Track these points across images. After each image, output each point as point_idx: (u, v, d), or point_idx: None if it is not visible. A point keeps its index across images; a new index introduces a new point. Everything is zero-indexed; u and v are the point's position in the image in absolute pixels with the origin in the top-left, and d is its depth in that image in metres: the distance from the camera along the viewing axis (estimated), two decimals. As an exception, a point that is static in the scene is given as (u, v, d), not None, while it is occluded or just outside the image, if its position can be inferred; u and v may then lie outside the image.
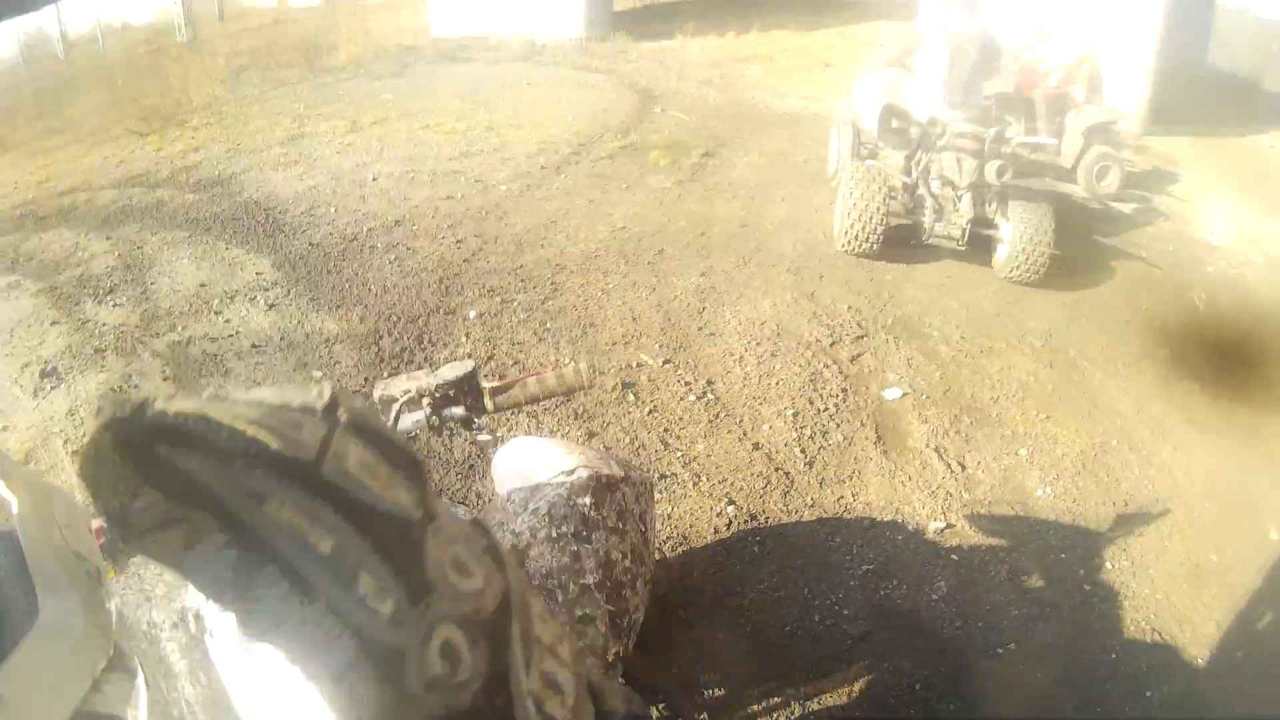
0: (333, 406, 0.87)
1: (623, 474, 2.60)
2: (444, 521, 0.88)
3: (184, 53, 17.87)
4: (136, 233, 8.46)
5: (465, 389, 2.11)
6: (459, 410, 2.09)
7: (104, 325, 6.65)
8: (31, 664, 0.96)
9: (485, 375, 2.15)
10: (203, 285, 7.08)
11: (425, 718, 0.82)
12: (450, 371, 2.11)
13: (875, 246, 7.41)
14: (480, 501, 4.51)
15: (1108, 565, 4.47)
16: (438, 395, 2.08)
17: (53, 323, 6.79)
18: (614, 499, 2.49)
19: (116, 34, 22.76)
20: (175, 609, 2.17)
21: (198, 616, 1.81)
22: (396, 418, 2.04)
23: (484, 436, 2.13)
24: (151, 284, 7.24)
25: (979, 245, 7.60)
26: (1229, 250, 9.25)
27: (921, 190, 7.71)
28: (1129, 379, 6.31)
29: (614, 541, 2.40)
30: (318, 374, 5.79)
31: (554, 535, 2.34)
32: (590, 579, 2.31)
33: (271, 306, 6.68)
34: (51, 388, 5.97)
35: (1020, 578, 4.31)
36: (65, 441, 5.40)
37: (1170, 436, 5.66)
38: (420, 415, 2.07)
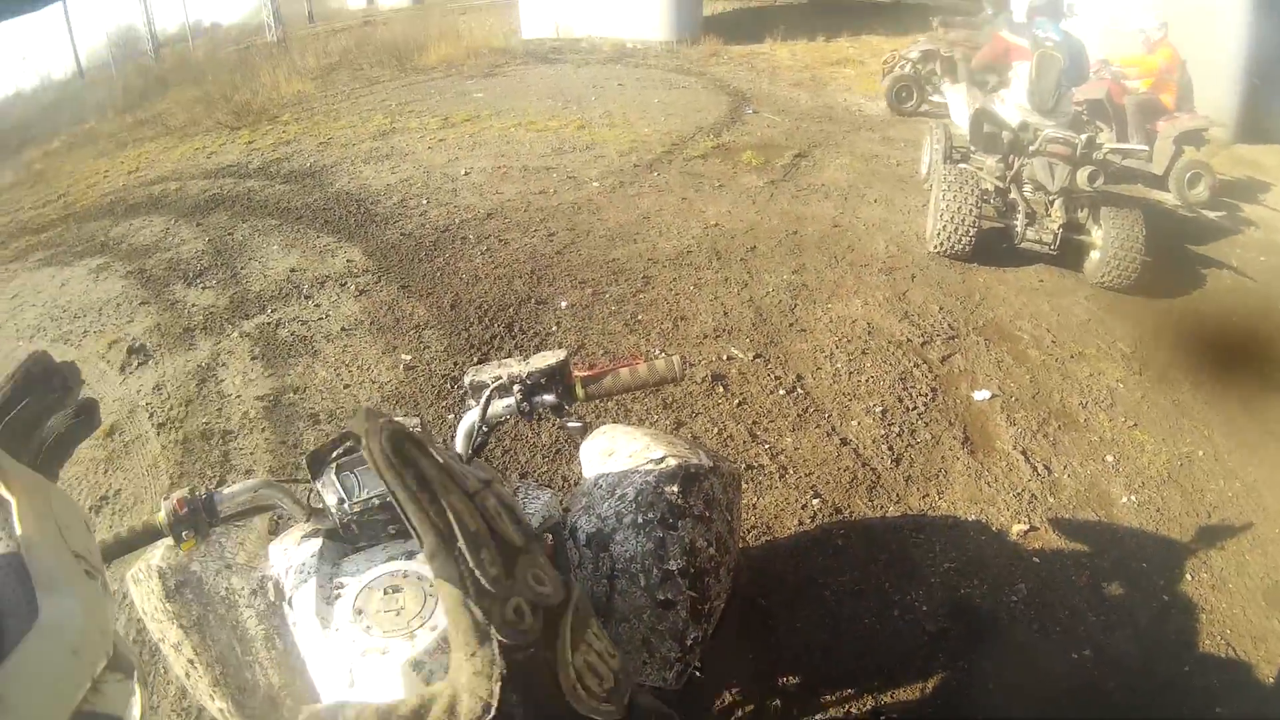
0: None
1: (711, 464, 2.57)
2: (537, 554, 1.40)
3: (274, 52, 18.13)
4: (227, 220, 8.62)
5: (556, 377, 2.07)
6: (550, 398, 2.05)
7: (193, 306, 6.76)
8: (31, 664, 0.93)
9: (576, 364, 2.12)
10: (293, 271, 7.17)
11: (500, 645, 1.31)
12: (542, 360, 2.08)
13: (967, 249, 7.31)
14: (567, 485, 4.50)
15: (1187, 577, 4.32)
16: (529, 382, 2.05)
17: (141, 303, 6.92)
18: (701, 488, 2.47)
19: (206, 34, 23.15)
20: (255, 577, 2.20)
21: (277, 585, 1.90)
22: (487, 403, 2.02)
23: (574, 424, 2.12)
24: (241, 269, 7.35)
25: (1070, 250, 7.45)
26: (1324, 263, 8.94)
27: (1014, 195, 7.62)
28: (1218, 391, 6.11)
29: (699, 529, 2.38)
30: (406, 357, 5.81)
31: (640, 521, 2.34)
32: (674, 565, 2.31)
33: (362, 292, 6.74)
34: (139, 364, 6.07)
35: (1100, 584, 4.18)
36: (150, 415, 5.48)
37: (1258, 450, 5.46)
38: (510, 401, 2.04)
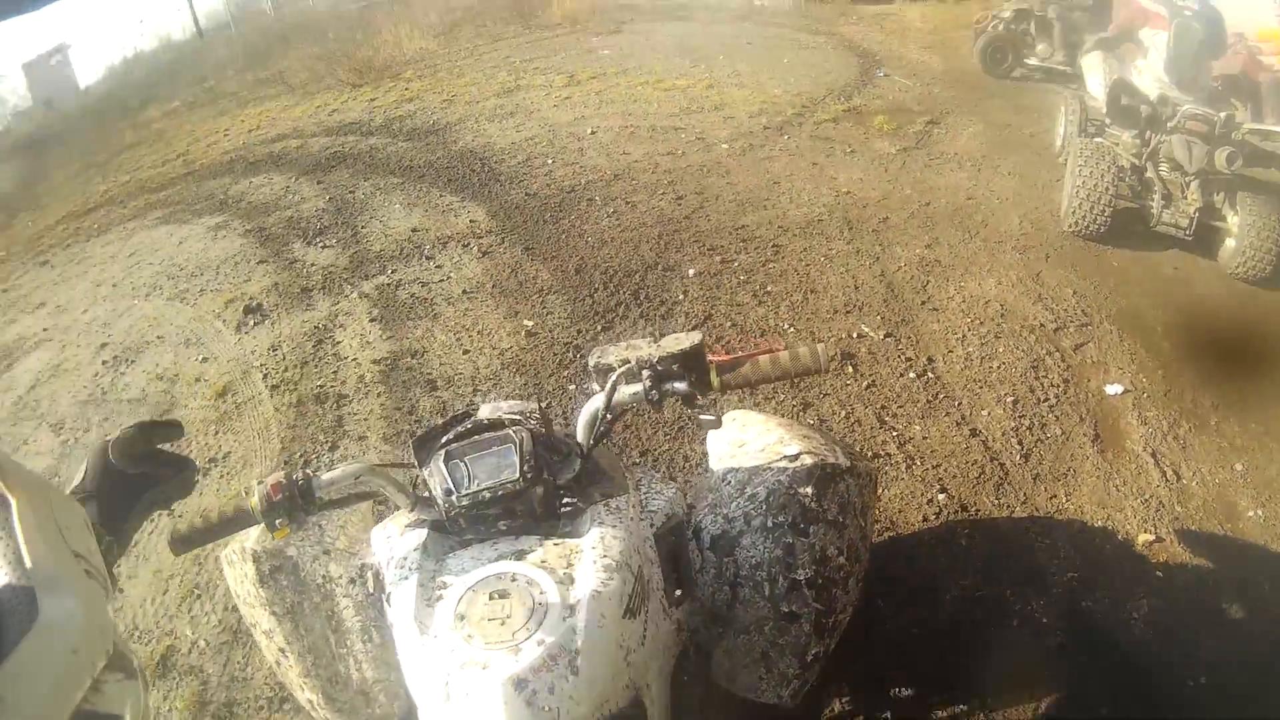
0: None
1: (848, 464, 2.48)
2: None
3: (396, 7, 18.14)
4: (348, 178, 8.72)
5: (690, 363, 1.94)
6: (681, 385, 1.92)
7: (312, 266, 6.86)
8: (31, 664, 0.95)
9: (711, 348, 2.04)
10: (415, 231, 7.23)
11: None
12: (674, 343, 1.95)
13: (1103, 229, 7.11)
14: (688, 465, 4.49)
15: (1314, 600, 4.21)
16: (659, 368, 1.93)
17: (260, 261, 7.03)
18: (837, 490, 2.38)
19: None
20: (355, 564, 2.17)
21: (377, 575, 1.80)
22: (613, 389, 1.90)
23: (707, 417, 2.00)
24: (362, 228, 7.43)
25: (1206, 236, 7.19)
26: None
27: (1150, 173, 7.35)
28: (1356, 401, 5.92)
29: (831, 536, 2.30)
30: (528, 323, 5.82)
31: (769, 525, 2.27)
32: (802, 574, 2.23)
33: (485, 254, 6.78)
34: (255, 324, 6.19)
35: (1221, 606, 4.09)
36: (264, 376, 5.58)
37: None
38: (639, 388, 1.91)
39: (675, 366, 1.93)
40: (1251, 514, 4.67)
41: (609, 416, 1.90)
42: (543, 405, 1.98)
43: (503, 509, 1.74)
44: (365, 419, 5.07)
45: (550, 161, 8.58)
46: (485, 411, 1.95)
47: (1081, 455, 4.87)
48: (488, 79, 11.74)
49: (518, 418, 1.87)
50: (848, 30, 14.90)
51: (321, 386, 5.43)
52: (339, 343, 5.88)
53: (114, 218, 9.59)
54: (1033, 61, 12.33)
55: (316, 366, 5.67)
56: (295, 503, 1.76)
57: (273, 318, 6.29)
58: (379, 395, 5.26)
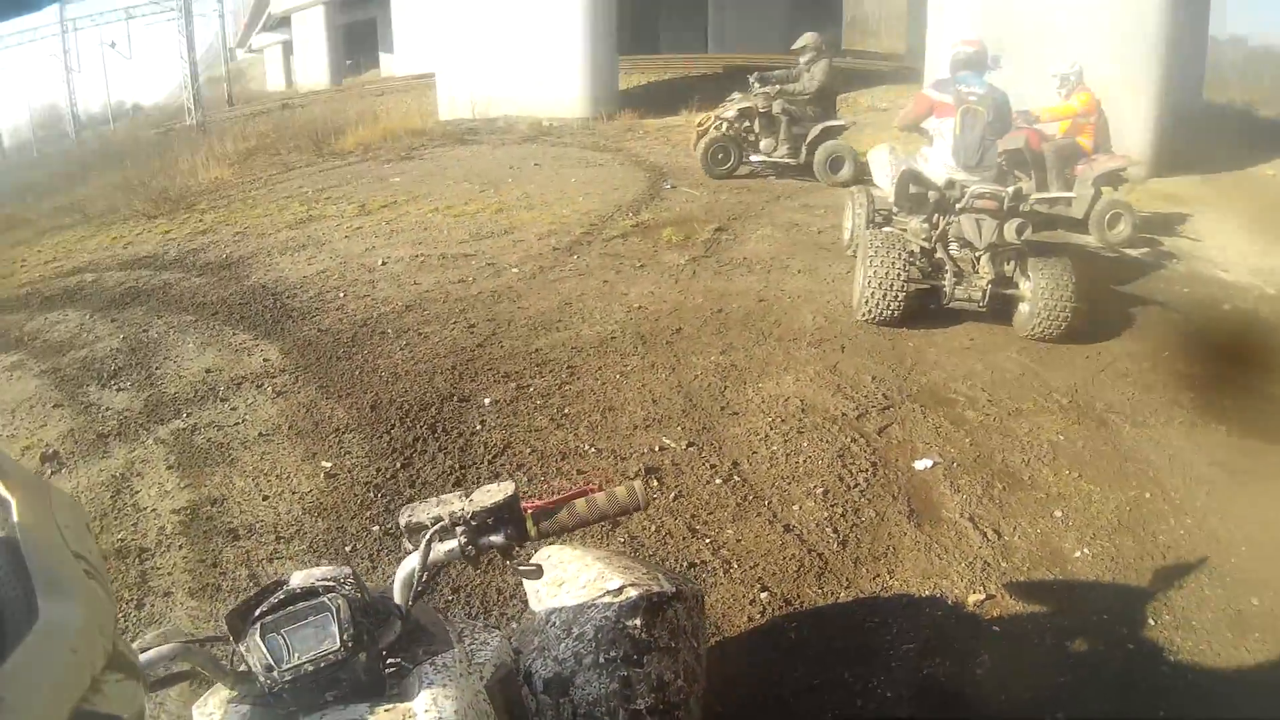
0: None
1: (674, 589, 2.49)
2: None
3: (193, 135, 18.22)
4: (143, 316, 8.57)
5: (504, 514, 1.89)
6: (498, 538, 1.87)
7: (108, 410, 6.65)
8: (31, 664, 0.92)
9: (525, 496, 1.99)
10: (209, 371, 7.09)
11: None
12: (487, 495, 1.90)
13: (896, 314, 7.38)
14: (501, 598, 4.37)
15: (1150, 621, 4.32)
16: (473, 522, 1.87)
17: (55, 405, 6.80)
18: (665, 618, 2.38)
19: (127, 115, 23.26)
20: None
21: None
22: (427, 548, 1.82)
23: (527, 569, 1.95)
24: (157, 368, 7.25)
25: (1000, 305, 7.56)
26: (1244, 285, 9.16)
27: (940, 254, 7.70)
28: (1158, 429, 6.22)
29: (667, 662, 2.29)
30: (327, 465, 5.68)
31: (602, 661, 2.24)
32: (642, 704, 2.20)
33: (279, 394, 6.65)
34: (52, 472, 5.91)
35: (1064, 643, 4.16)
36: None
37: (1203, 483, 5.56)
38: (454, 545, 1.86)
39: (490, 520, 1.88)
40: (1078, 554, 4.80)
41: (425, 576, 1.83)
42: (355, 570, 1.88)
43: (327, 680, 1.64)
44: (169, 573, 4.81)
45: (342, 295, 8.52)
46: (297, 580, 1.86)
47: (899, 532, 4.91)
48: (280, 210, 11.75)
49: (331, 584, 1.78)
50: (634, 145, 15.48)
51: (123, 540, 5.14)
52: (138, 492, 5.61)
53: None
54: (758, 158, 13.34)
55: (116, 518, 5.38)
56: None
57: (70, 466, 5.99)
58: (181, 548, 5.01)
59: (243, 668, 1.67)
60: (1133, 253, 10.22)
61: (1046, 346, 7.33)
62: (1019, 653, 4.09)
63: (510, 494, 1.89)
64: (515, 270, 9.03)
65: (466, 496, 1.92)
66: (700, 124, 13.73)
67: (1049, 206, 7.80)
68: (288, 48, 49.40)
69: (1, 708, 0.89)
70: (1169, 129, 14.22)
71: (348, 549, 4.83)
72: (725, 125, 13.32)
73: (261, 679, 1.62)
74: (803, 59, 13.58)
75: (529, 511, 1.95)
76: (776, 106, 13.16)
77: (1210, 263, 10.05)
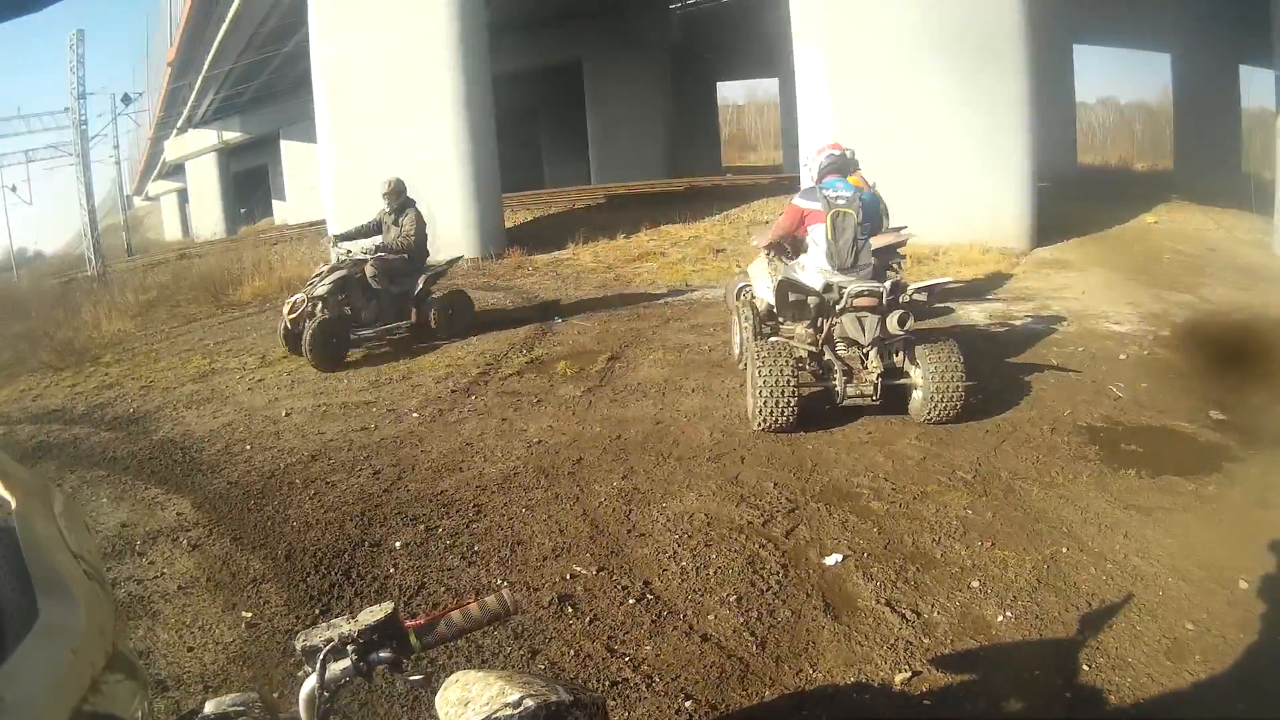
0: None
1: (571, 698, 2.53)
2: None
3: (94, 286, 18.16)
4: (55, 470, 8.48)
5: (388, 630, 2.01)
6: (385, 654, 1.99)
7: None
8: (31, 664, 0.97)
9: (409, 611, 2.10)
10: (124, 526, 7.02)
11: None
12: (369, 615, 2.01)
13: (791, 420, 7.58)
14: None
15: (1085, 667, 4.44)
16: (360, 640, 1.98)
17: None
18: None
19: (29, 263, 23.08)
20: None
21: None
22: (323, 669, 1.94)
23: (415, 677, 2.07)
24: None
25: (894, 396, 7.80)
26: (1138, 333, 9.54)
27: (828, 356, 7.94)
28: (1066, 486, 6.47)
29: None
30: (247, 615, 5.66)
31: None
32: None
33: (195, 546, 6.59)
34: None
35: (1000, 705, 4.26)
36: None
37: (1119, 527, 5.81)
38: (347, 663, 1.96)
39: (376, 637, 2.00)
40: (1001, 618, 4.94)
41: (325, 694, 1.95)
42: (263, 693, 2.00)
43: None
44: None
45: (249, 447, 8.51)
46: (210, 708, 1.98)
47: (817, 627, 4.98)
48: (184, 363, 11.70)
49: (242, 709, 1.93)
50: (525, 282, 15.76)
51: None
52: None
53: None
54: (368, 332, 11.91)
55: None
56: None
57: None
58: None
59: None
60: (1018, 323, 10.59)
61: (945, 428, 7.58)
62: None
63: (390, 612, 2.01)
64: (415, 415, 9.13)
65: (352, 618, 2.02)
66: (290, 310, 11.64)
67: (926, 295, 8.01)
68: (183, 195, 49.74)
69: (1, 707, 0.94)
70: (1046, 197, 14.83)
71: (276, 695, 4.81)
72: (321, 305, 11.39)
73: None
74: (387, 208, 12.31)
75: (411, 628, 2.07)
76: (370, 269, 11.72)
77: (1102, 318, 10.47)
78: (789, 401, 7.51)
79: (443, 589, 5.74)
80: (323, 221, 20.59)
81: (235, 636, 5.42)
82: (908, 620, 4.97)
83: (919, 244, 14.03)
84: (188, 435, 9.11)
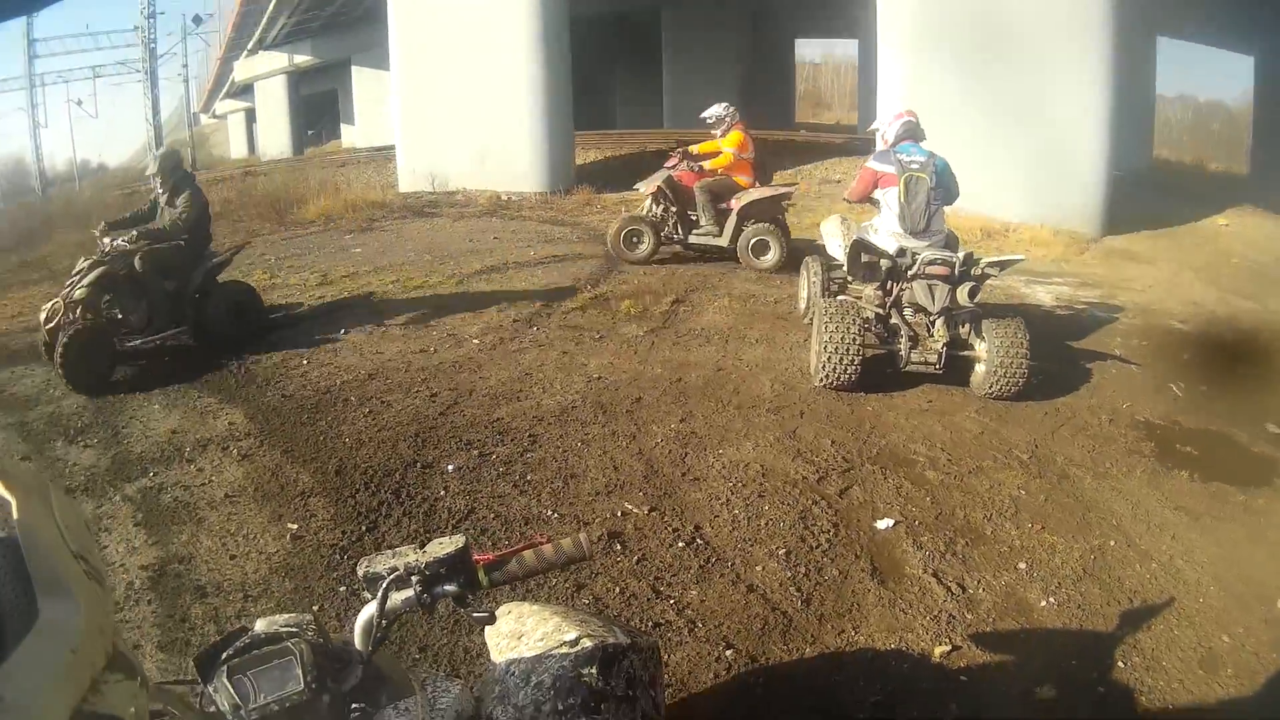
0: None
1: (629, 641, 2.56)
2: None
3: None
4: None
5: (457, 565, 1.98)
6: (451, 588, 1.96)
7: (74, 465, 6.59)
8: (31, 664, 0.97)
9: (476, 548, 2.06)
10: (174, 432, 7.05)
11: None
12: (439, 547, 1.98)
13: (853, 378, 7.52)
14: (469, 658, 4.38)
15: (1119, 665, 4.40)
16: (427, 573, 1.95)
17: (22, 458, 6.71)
18: (621, 668, 2.44)
19: (93, 174, 23.15)
20: None
21: None
22: (384, 598, 1.91)
23: (480, 615, 2.02)
24: (123, 427, 7.20)
25: (955, 367, 7.72)
26: (1200, 334, 9.39)
27: (895, 320, 7.89)
28: (1120, 479, 6.36)
29: (624, 711, 2.36)
30: (293, 526, 5.69)
31: (560, 708, 2.29)
32: None
33: (245, 457, 6.63)
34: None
35: (1033, 690, 4.21)
36: None
37: (1167, 528, 5.71)
38: (409, 593, 1.93)
39: (443, 570, 1.96)
40: (1044, 604, 4.89)
41: (384, 623, 1.92)
42: (317, 616, 1.95)
43: None
44: (138, 627, 4.74)
45: (305, 362, 8.52)
46: (261, 626, 1.91)
47: (862, 590, 4.98)
48: (244, 276, 11.59)
49: (294, 630, 1.86)
50: (592, 219, 15.64)
51: None
52: (105, 547, 5.53)
53: None
54: (139, 341, 9.04)
55: None
56: None
57: None
58: (150, 603, 4.95)
59: (211, 709, 1.73)
60: (1083, 308, 10.43)
61: (1005, 405, 7.49)
62: (987, 702, 4.17)
63: (461, 546, 1.98)
64: (476, 341, 9.09)
65: (421, 549, 1.99)
66: (48, 315, 8.72)
67: (1000, 269, 7.94)
68: (250, 115, 49.40)
69: (1, 707, 0.93)
70: (1120, 187, 14.56)
71: (315, 608, 4.83)
72: (80, 309, 8.54)
73: (229, 718, 1.68)
74: (159, 187, 9.57)
75: (481, 563, 2.05)
76: (139, 264, 8.96)
77: (1167, 314, 10.28)
78: (853, 360, 7.45)
79: (492, 515, 5.75)
80: (391, 147, 20.51)
81: (279, 548, 5.46)
82: (952, 594, 4.95)
83: (990, 218, 13.91)
84: (244, 347, 9.10)
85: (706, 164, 12.19)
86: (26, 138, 21.79)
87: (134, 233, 9.13)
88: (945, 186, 8.24)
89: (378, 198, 17.43)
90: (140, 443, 6.95)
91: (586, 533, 2.39)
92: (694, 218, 12.23)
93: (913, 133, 8.55)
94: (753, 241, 11.89)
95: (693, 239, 12.30)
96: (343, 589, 5.02)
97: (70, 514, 1.21)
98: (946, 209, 8.37)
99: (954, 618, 4.74)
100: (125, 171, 22.19)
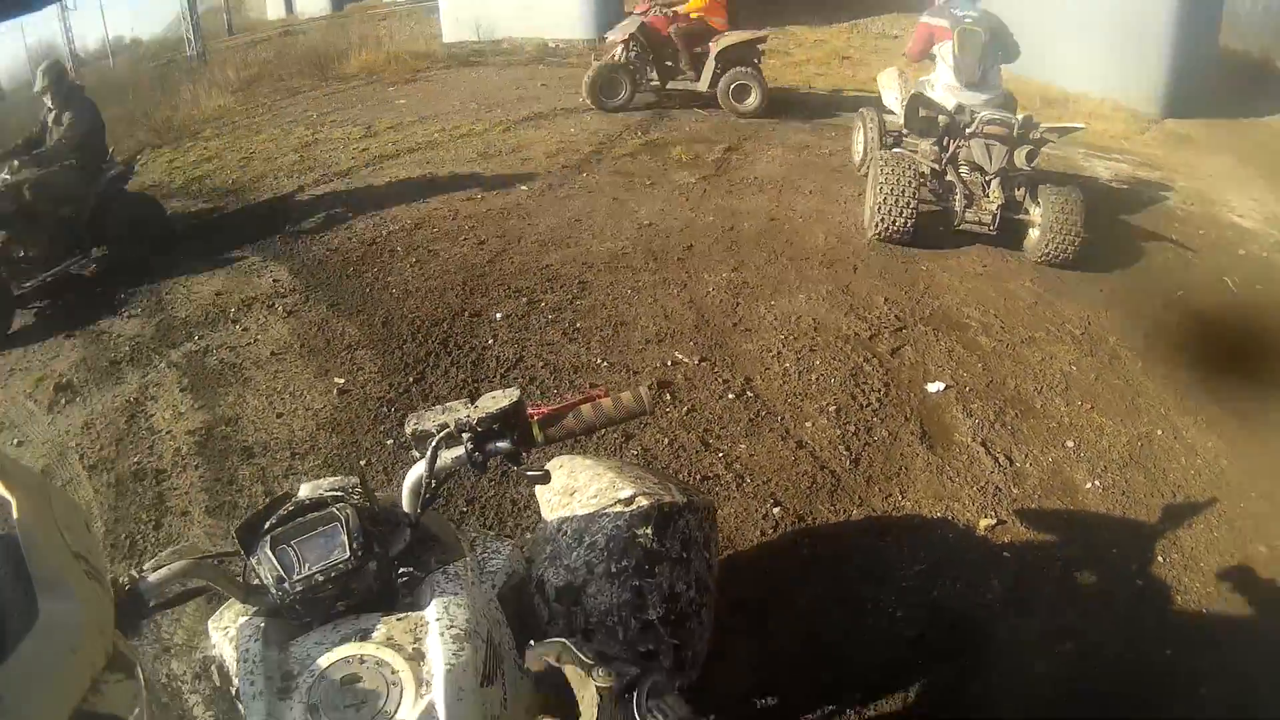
0: None
1: (685, 500, 2.49)
2: None
3: (194, 66, 17.84)
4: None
5: (510, 420, 1.87)
6: (504, 444, 1.83)
7: (119, 337, 6.54)
8: (31, 664, 0.95)
9: (531, 402, 1.93)
10: (219, 294, 6.97)
11: None
12: (492, 401, 1.88)
13: (907, 232, 7.41)
14: (516, 509, 4.34)
15: (1159, 559, 4.34)
16: (479, 429, 1.84)
17: (66, 335, 6.66)
18: (677, 528, 2.39)
19: (126, 50, 22.86)
20: (196, 659, 2.02)
21: (221, 668, 1.70)
22: (434, 455, 1.81)
23: (535, 474, 1.90)
24: (166, 294, 7.13)
25: (1009, 231, 7.56)
26: (1260, 233, 9.07)
27: (950, 177, 7.74)
28: (1170, 368, 6.18)
29: (679, 573, 2.32)
30: (340, 381, 5.63)
31: (613, 570, 2.25)
32: (654, 614, 2.23)
33: (290, 313, 6.56)
34: (66, 402, 5.84)
35: (1073, 574, 4.17)
36: (81, 456, 5.27)
37: (1215, 425, 5.54)
38: (460, 452, 1.83)
39: (496, 426, 1.85)
40: (1089, 485, 4.81)
41: (433, 483, 1.81)
42: (363, 478, 1.86)
43: (339, 590, 1.64)
44: (186, 493, 4.78)
45: (350, 215, 8.38)
46: (305, 491, 1.86)
47: (911, 454, 4.91)
48: (286, 134, 11.48)
49: (340, 495, 1.78)
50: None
51: (139, 463, 5.10)
52: (152, 415, 5.56)
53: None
54: (36, 280, 7.72)
55: (132, 442, 5.33)
56: (124, 612, 1.55)
57: (84, 394, 5.94)
58: (197, 467, 4.98)
59: (255, 581, 1.67)
60: (1141, 188, 10.14)
61: (1059, 276, 7.29)
62: (1028, 580, 4.12)
63: (515, 400, 1.88)
64: (524, 188, 8.89)
65: (472, 404, 1.90)
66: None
67: (1059, 135, 7.80)
68: None
69: (1, 707, 0.91)
70: (1183, 71, 14.09)
71: (362, 463, 4.80)
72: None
73: (273, 591, 1.62)
74: (48, 104, 8.46)
75: (535, 418, 1.95)
76: (30, 193, 7.74)
77: (1225, 206, 9.98)
78: (908, 213, 7.34)
79: (541, 363, 5.68)
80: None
81: (326, 404, 5.41)
82: (1000, 465, 4.88)
83: (1050, 87, 13.50)
84: (287, 203, 8.96)
85: (680, 8, 11.77)
86: (55, 20, 21.36)
87: (15, 163, 7.87)
88: (1002, 43, 8.16)
89: (421, 49, 16.99)
90: (185, 307, 6.88)
91: (646, 387, 2.28)
92: (670, 64, 11.88)
93: None
94: (733, 86, 11.60)
95: (671, 85, 11.99)
96: (390, 442, 4.98)
97: (70, 514, 1.17)
98: (1006, 68, 8.27)
99: (1000, 490, 4.68)
100: (159, 44, 21.76)
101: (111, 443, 5.31)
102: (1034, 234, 7.51)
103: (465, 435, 1.83)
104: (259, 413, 5.40)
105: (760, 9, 17.55)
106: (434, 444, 1.81)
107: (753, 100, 11.62)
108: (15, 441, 5.48)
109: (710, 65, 11.56)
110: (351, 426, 5.15)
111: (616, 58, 11.83)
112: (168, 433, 5.32)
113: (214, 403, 5.56)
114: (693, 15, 11.69)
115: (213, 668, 1.72)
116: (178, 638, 2.02)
